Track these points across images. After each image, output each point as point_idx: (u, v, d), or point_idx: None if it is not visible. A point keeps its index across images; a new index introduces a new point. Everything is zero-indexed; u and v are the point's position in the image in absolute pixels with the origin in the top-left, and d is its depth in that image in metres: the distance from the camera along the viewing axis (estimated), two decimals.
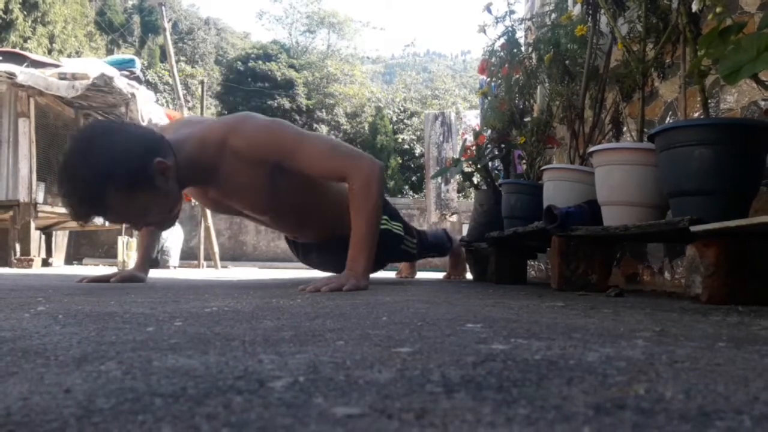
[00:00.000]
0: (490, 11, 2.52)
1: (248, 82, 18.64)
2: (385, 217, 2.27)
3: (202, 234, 5.61)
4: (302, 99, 18.78)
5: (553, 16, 2.35)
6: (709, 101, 1.53)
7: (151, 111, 4.97)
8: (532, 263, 3.11)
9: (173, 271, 4.23)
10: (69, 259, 6.56)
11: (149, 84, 15.23)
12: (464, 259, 3.16)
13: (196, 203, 5.89)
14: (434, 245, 2.89)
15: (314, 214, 2.06)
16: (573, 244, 1.68)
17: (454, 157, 2.95)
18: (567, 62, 2.18)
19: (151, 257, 2.19)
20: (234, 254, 7.93)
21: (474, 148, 2.85)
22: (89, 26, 18.95)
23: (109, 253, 6.97)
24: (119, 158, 1.50)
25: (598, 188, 1.62)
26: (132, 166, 1.51)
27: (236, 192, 1.79)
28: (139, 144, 1.56)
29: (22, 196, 4.41)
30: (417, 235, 2.62)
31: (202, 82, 8.07)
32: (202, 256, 5.87)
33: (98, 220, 5.52)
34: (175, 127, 1.83)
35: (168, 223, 1.76)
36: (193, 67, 21.72)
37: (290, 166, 1.71)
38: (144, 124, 4.88)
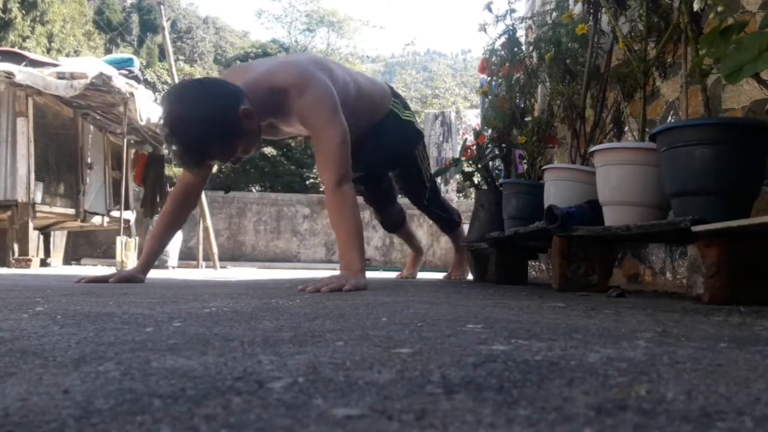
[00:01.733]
0: (490, 10, 2.52)
1: None
2: (408, 112, 2.54)
3: (201, 234, 5.61)
4: None
5: (554, 14, 2.35)
6: (711, 100, 1.53)
7: (149, 110, 4.96)
8: (533, 263, 3.11)
9: (172, 272, 4.23)
10: (67, 259, 6.55)
11: (148, 83, 15.20)
12: (467, 259, 3.15)
13: None
14: (445, 208, 2.96)
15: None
16: (574, 244, 1.68)
17: (454, 157, 2.95)
18: (568, 61, 2.18)
19: (153, 262, 2.19)
20: (233, 254, 7.93)
21: (474, 147, 2.85)
22: (88, 25, 18.92)
23: (107, 253, 6.98)
24: (214, 123, 1.75)
25: (600, 188, 1.62)
26: (225, 125, 1.78)
27: (287, 127, 2.10)
28: (226, 102, 1.78)
29: (21, 196, 4.40)
30: (433, 178, 2.73)
31: None
32: (201, 257, 5.87)
33: (97, 219, 5.54)
34: (238, 74, 2.02)
35: (252, 154, 2.02)
36: (191, 66, 21.71)
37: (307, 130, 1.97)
38: (142, 124, 4.88)
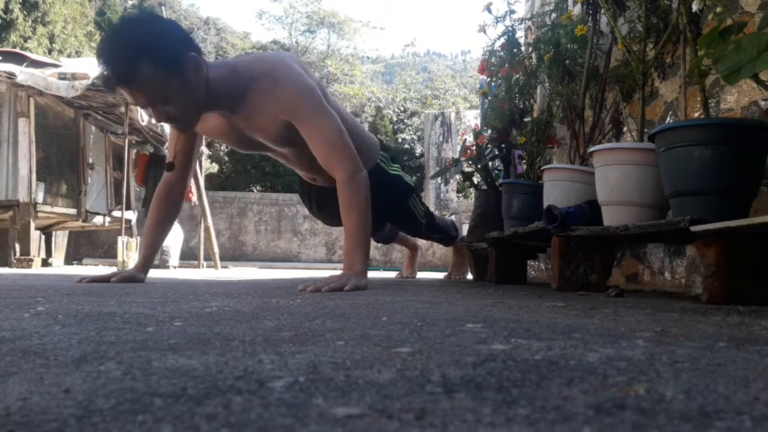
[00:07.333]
0: (490, 11, 2.52)
1: None
2: (396, 165, 2.36)
3: (202, 234, 5.61)
4: None
5: (553, 15, 2.35)
6: (710, 101, 1.53)
7: None
8: (532, 263, 3.11)
9: (173, 271, 4.23)
10: (69, 259, 6.56)
11: None
12: (467, 259, 3.15)
13: (195, 203, 5.90)
14: (441, 228, 2.89)
15: None
16: (573, 244, 1.68)
17: (454, 157, 2.95)
18: (567, 62, 2.18)
19: (153, 258, 2.18)
20: (234, 254, 7.94)
21: (474, 148, 2.85)
22: (89, 26, 18.93)
23: (108, 253, 6.98)
24: (161, 36, 1.63)
25: (599, 188, 1.62)
26: (171, 45, 1.64)
27: (258, 128, 1.87)
28: (182, 34, 1.68)
29: (22, 196, 4.41)
30: (426, 207, 2.61)
31: None
32: (202, 256, 5.87)
33: (98, 219, 5.53)
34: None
35: (186, 125, 1.81)
36: None
37: (295, 126, 1.78)
38: (143, 124, 4.88)
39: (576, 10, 2.23)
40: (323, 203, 2.47)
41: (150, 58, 1.59)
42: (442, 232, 2.92)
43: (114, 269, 3.70)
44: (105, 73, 1.62)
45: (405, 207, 2.44)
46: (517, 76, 2.53)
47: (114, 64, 1.61)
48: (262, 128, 1.85)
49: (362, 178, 1.74)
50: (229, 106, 1.81)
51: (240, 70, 1.77)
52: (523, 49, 2.58)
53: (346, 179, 1.72)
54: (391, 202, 2.32)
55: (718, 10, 1.18)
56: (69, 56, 13.66)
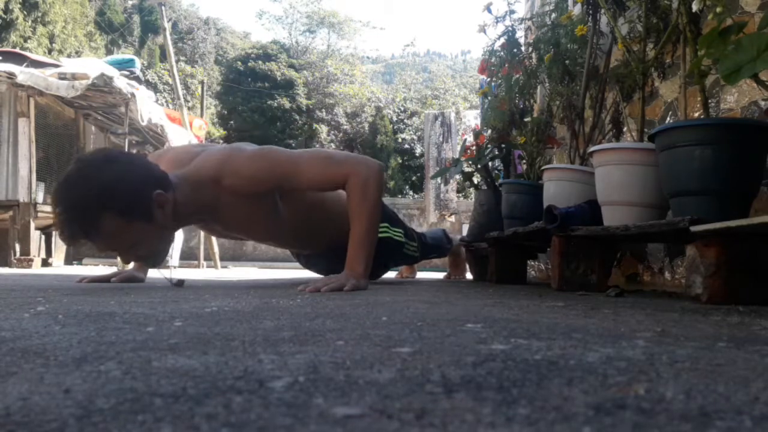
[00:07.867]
0: (490, 11, 2.52)
1: (248, 81, 18.64)
2: (385, 224, 2.30)
3: (202, 234, 5.61)
4: (302, 99, 18.79)
5: (553, 15, 2.35)
6: (710, 101, 1.53)
7: (150, 111, 4.96)
8: (532, 263, 3.11)
9: (173, 272, 4.23)
10: (69, 259, 6.55)
11: (149, 84, 15.24)
12: (464, 258, 3.16)
13: None
14: (434, 247, 2.91)
15: (317, 230, 2.10)
16: (573, 244, 1.68)
17: (454, 157, 2.95)
18: (567, 62, 2.18)
19: None
20: (234, 254, 7.93)
21: (474, 148, 2.85)
22: (89, 26, 18.96)
23: (108, 253, 6.97)
24: (120, 183, 1.51)
25: (599, 188, 1.62)
26: (132, 193, 1.52)
27: (238, 225, 1.86)
28: (142, 174, 1.57)
29: (22, 196, 4.41)
30: (417, 238, 2.63)
31: (202, 83, 8.10)
32: (202, 256, 5.87)
33: None
34: (169, 159, 1.82)
35: (155, 261, 1.76)
36: (192, 66, 21.72)
37: (290, 187, 1.75)
38: (144, 124, 4.88)
39: (576, 10, 2.23)
40: (311, 262, 2.52)
41: (111, 209, 1.50)
42: (437, 250, 2.95)
43: (114, 269, 3.70)
44: (63, 225, 1.50)
45: (399, 257, 2.47)
46: (517, 76, 2.53)
47: (74, 220, 1.50)
48: (241, 224, 1.84)
49: (374, 180, 1.70)
50: (207, 219, 1.81)
51: (203, 182, 1.68)
52: (523, 49, 2.58)
53: (357, 186, 1.69)
54: (386, 259, 2.32)
55: (718, 10, 1.18)
56: (69, 56, 13.67)
